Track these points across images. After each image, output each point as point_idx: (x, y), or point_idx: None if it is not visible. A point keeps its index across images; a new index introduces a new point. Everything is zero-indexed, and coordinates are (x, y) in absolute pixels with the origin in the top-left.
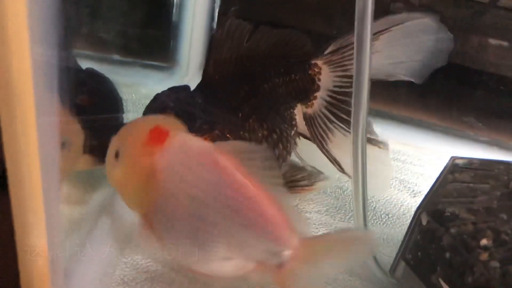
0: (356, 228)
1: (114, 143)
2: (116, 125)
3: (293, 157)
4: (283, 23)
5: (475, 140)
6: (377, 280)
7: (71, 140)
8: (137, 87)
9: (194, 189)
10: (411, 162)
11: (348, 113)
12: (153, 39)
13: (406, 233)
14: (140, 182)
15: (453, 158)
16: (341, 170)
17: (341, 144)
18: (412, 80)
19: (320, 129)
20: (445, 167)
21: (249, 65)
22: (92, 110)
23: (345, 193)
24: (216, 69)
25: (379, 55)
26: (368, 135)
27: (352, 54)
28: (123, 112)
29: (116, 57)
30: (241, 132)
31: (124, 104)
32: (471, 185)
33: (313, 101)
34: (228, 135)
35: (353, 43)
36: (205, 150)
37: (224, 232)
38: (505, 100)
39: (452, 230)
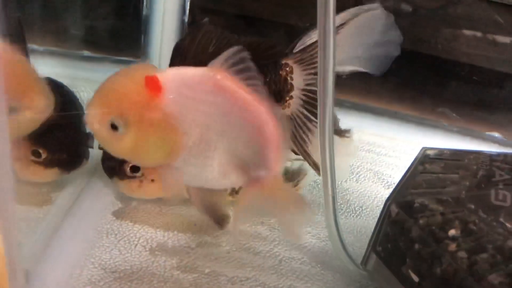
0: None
1: (102, 116)
2: (79, 136)
3: None
4: (256, 16)
5: (449, 130)
6: (349, 272)
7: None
8: None
9: (206, 116)
10: (386, 154)
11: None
12: (123, 34)
13: (377, 225)
14: (160, 139)
15: (424, 149)
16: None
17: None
18: (370, 72)
19: (300, 131)
20: (415, 158)
21: None
22: (62, 123)
23: (319, 186)
24: None
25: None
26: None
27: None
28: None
29: (86, 53)
30: None
31: None
32: (441, 175)
33: (289, 101)
34: None
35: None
36: (204, 76)
37: (234, 150)
38: (478, 90)
39: (421, 221)
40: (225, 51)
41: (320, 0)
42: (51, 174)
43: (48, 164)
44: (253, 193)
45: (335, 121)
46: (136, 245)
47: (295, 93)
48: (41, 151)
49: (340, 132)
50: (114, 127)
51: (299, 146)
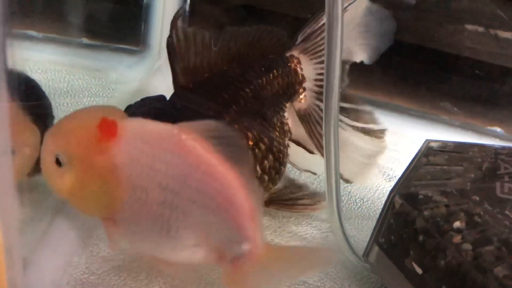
0: (318, 243)
1: (49, 149)
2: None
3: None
4: (258, 5)
5: (451, 124)
6: (351, 264)
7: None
8: (107, 71)
9: (162, 176)
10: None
11: (342, 99)
12: (123, 21)
13: (380, 216)
14: (100, 186)
15: (427, 141)
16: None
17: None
18: (364, 61)
19: (317, 125)
20: (419, 150)
21: (225, 70)
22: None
23: (320, 177)
24: (187, 78)
25: None
26: (368, 125)
27: (323, 37)
28: (53, 118)
29: (85, 40)
30: None
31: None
32: (445, 167)
33: (304, 94)
34: None
35: (320, 27)
36: (166, 133)
37: (192, 217)
38: (480, 85)
39: (425, 213)
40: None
41: None
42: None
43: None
44: (239, 273)
45: (370, 117)
46: None
47: (308, 84)
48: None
49: (374, 132)
50: (58, 162)
51: (316, 141)
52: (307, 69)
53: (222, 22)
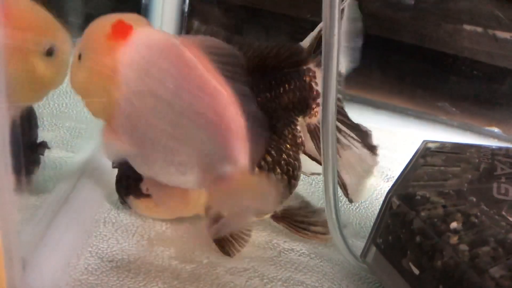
0: None
1: (78, 46)
2: (32, 141)
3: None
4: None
5: (449, 125)
6: (348, 264)
7: (58, 46)
8: None
9: (159, 85)
10: (385, 147)
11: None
12: None
13: (377, 217)
14: (103, 82)
15: (425, 142)
16: (347, 196)
17: (351, 161)
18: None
19: None
20: (417, 151)
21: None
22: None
23: (319, 178)
24: None
25: None
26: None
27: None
28: (37, 127)
29: None
30: None
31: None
32: (442, 168)
33: (316, 109)
34: None
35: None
36: (170, 43)
37: (181, 130)
38: (478, 85)
39: (423, 214)
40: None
41: None
42: None
43: None
44: (220, 194)
45: (367, 136)
46: (134, 234)
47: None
48: None
49: (371, 148)
50: (80, 57)
51: None
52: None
53: (222, 22)
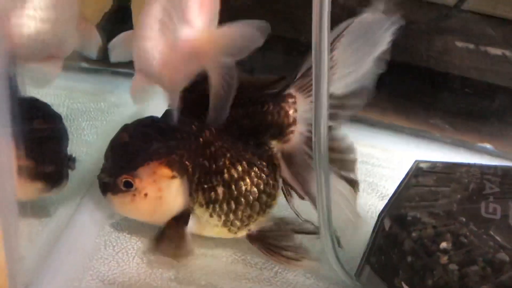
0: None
1: None
2: (62, 156)
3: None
4: None
5: (443, 141)
6: (343, 283)
7: None
8: (106, 95)
9: None
10: (380, 165)
11: (332, 149)
12: None
13: (370, 237)
14: None
15: (417, 162)
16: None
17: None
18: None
19: (300, 168)
20: (409, 171)
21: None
22: (48, 135)
23: None
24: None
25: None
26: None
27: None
28: (67, 139)
29: (84, 64)
30: (201, 159)
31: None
32: (433, 188)
33: (290, 136)
34: (186, 161)
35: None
36: None
37: None
38: (471, 102)
39: (414, 234)
40: None
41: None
42: (34, 189)
43: (32, 176)
44: (183, 56)
45: (354, 167)
46: (134, 257)
47: (298, 127)
48: (26, 163)
49: (353, 183)
50: None
51: (300, 184)
52: (302, 109)
53: None
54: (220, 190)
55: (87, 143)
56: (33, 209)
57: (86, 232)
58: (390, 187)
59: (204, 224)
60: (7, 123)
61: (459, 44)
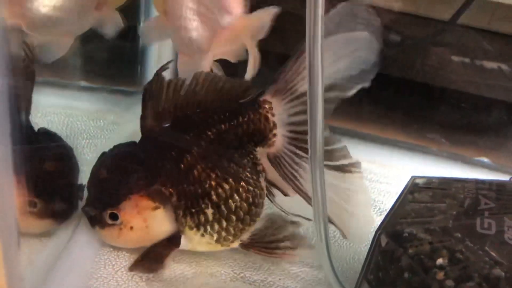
0: None
1: None
2: (72, 187)
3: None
4: None
5: (440, 156)
6: None
7: None
8: (105, 113)
9: None
10: (378, 180)
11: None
12: (120, 64)
13: (368, 253)
14: None
15: (413, 178)
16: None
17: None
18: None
19: (289, 168)
20: (405, 187)
21: (188, 114)
22: (58, 175)
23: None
24: (154, 122)
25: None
26: (342, 162)
27: (295, 75)
28: (78, 172)
29: (84, 83)
30: (185, 185)
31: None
32: (429, 204)
33: (273, 140)
34: (169, 189)
35: (292, 67)
36: None
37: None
38: (467, 116)
39: (410, 251)
40: None
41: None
42: (44, 225)
43: (42, 214)
44: (223, 40)
45: (344, 152)
46: (133, 275)
47: (279, 130)
48: (36, 201)
49: (347, 167)
50: None
51: (292, 183)
52: (279, 112)
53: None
54: (209, 211)
55: (87, 162)
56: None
57: (86, 251)
58: (387, 202)
59: (197, 243)
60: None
61: (455, 58)
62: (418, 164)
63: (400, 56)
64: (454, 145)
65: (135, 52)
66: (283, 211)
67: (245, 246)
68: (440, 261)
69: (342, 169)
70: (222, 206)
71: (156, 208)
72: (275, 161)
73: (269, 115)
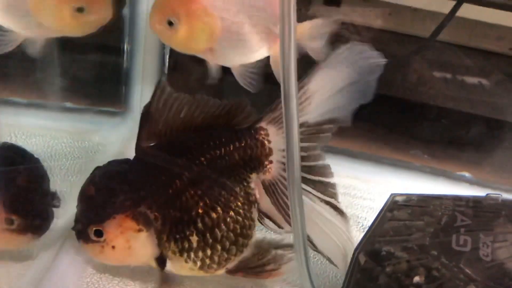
0: None
1: (161, 17)
2: (47, 198)
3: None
4: None
5: (422, 171)
6: None
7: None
8: (90, 134)
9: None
10: (361, 196)
11: (310, 171)
12: (105, 85)
13: (347, 272)
14: (203, 25)
15: (393, 195)
16: (313, 247)
17: (308, 214)
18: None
19: (283, 196)
20: (385, 204)
21: (183, 138)
22: (31, 188)
23: None
24: (149, 142)
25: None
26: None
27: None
28: (48, 180)
29: (69, 104)
30: (171, 210)
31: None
32: (407, 222)
33: (269, 166)
34: (155, 213)
35: None
36: None
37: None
38: (449, 132)
39: (388, 269)
40: None
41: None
42: (24, 240)
43: (21, 230)
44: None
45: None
46: None
47: (275, 156)
48: (13, 218)
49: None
50: (170, 23)
51: (284, 212)
52: (275, 139)
53: (203, 83)
54: (193, 239)
55: (71, 183)
56: (14, 252)
57: (69, 274)
58: (370, 218)
59: (180, 267)
60: None
61: (437, 74)
62: (401, 180)
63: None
64: (436, 161)
65: (119, 72)
66: (273, 230)
67: (231, 272)
68: (417, 279)
69: (318, 186)
70: (208, 235)
71: (139, 230)
72: (269, 188)
73: (266, 142)
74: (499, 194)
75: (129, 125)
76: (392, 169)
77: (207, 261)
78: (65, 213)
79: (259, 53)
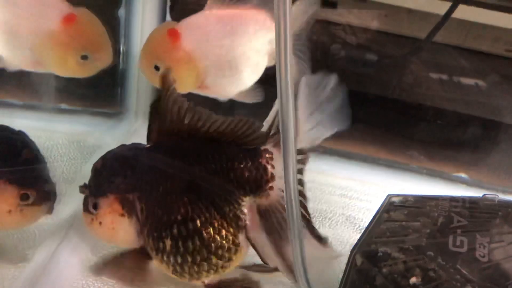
0: None
1: (147, 61)
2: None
3: None
4: None
5: (419, 172)
6: None
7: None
8: (86, 135)
9: (217, 41)
10: (358, 198)
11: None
12: (101, 86)
13: (344, 273)
14: (187, 69)
15: (389, 196)
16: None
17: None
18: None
19: (277, 225)
20: (381, 205)
21: (187, 143)
22: (39, 160)
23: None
24: (158, 137)
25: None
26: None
27: None
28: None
29: (64, 106)
30: (156, 207)
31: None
32: (404, 223)
33: (269, 192)
34: (141, 204)
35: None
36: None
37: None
38: (445, 133)
39: (384, 270)
40: None
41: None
42: (40, 213)
43: (37, 202)
44: None
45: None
46: None
47: (277, 183)
48: (29, 192)
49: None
50: (157, 68)
51: (274, 242)
52: (279, 164)
53: None
54: (167, 242)
55: (67, 181)
56: (9, 254)
57: (64, 275)
58: (367, 219)
59: (158, 265)
60: None
61: (433, 75)
62: (397, 181)
63: (377, 74)
64: (433, 162)
65: (115, 74)
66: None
67: (209, 287)
68: (413, 280)
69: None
70: (180, 243)
71: (122, 215)
72: (265, 214)
73: (269, 166)
74: (495, 195)
75: (125, 126)
76: (389, 170)
77: (178, 268)
78: (61, 214)
79: (252, 79)
